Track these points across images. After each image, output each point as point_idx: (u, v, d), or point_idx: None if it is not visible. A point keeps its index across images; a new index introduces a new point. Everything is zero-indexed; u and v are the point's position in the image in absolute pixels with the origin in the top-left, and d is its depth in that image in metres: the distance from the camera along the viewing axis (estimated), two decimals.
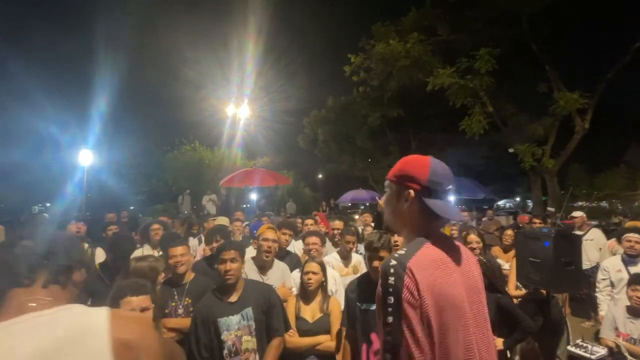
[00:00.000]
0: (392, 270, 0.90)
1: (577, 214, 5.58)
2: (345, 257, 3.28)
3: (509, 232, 4.14)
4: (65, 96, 18.14)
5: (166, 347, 1.72)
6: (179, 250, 2.44)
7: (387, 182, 1.11)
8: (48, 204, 21.03)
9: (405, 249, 0.96)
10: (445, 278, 0.94)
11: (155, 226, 3.66)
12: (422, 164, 1.03)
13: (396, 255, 0.94)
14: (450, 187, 1.05)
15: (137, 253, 3.33)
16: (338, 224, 4.06)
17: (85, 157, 12.01)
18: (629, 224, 4.66)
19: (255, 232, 3.38)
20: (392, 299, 0.88)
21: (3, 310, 0.83)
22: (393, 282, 0.89)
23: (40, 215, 13.02)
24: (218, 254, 2.16)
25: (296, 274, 2.87)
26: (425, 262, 0.93)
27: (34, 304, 0.85)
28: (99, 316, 0.83)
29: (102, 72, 15.17)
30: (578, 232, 4.93)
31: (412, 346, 0.85)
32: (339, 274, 3.00)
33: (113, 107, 15.41)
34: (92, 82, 15.22)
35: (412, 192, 1.01)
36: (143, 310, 1.60)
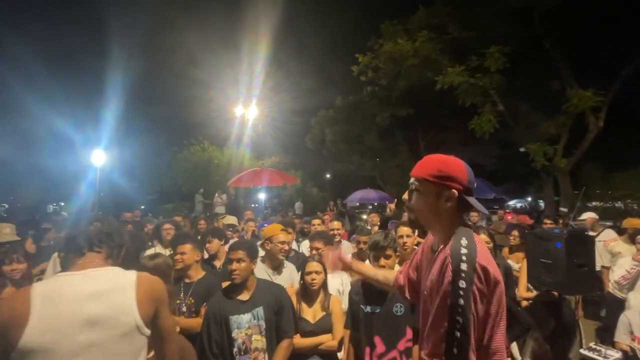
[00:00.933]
0: (464, 258, 0.99)
1: (587, 214, 5.46)
2: (361, 259, 3.28)
3: (515, 232, 4.08)
4: (78, 98, 18.54)
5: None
6: (182, 248, 2.49)
7: (419, 181, 1.16)
8: (62, 203, 21.55)
9: (465, 239, 1.04)
10: (497, 270, 1.04)
11: (167, 226, 3.72)
12: (460, 166, 1.14)
13: (463, 244, 1.02)
14: (475, 185, 1.17)
15: (149, 252, 3.40)
16: (336, 224, 4.01)
17: (98, 158, 12.25)
18: (630, 220, 4.50)
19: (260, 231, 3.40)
20: (464, 284, 0.96)
21: (80, 264, 1.26)
22: (466, 269, 0.97)
23: (58, 213, 13.35)
24: (227, 254, 2.20)
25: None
26: (485, 251, 1.04)
27: (97, 262, 1.29)
28: (131, 274, 1.29)
29: (114, 73, 15.47)
30: (591, 233, 4.82)
31: (479, 329, 0.95)
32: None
33: (125, 108, 15.73)
34: (104, 83, 15.54)
35: (455, 192, 1.09)
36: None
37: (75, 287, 1.16)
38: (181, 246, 2.50)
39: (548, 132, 10.06)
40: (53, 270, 2.91)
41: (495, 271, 1.00)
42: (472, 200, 1.10)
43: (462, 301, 0.95)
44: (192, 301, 2.37)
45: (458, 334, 0.93)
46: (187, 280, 2.47)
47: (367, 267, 1.56)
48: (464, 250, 1.00)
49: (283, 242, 2.85)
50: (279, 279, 2.78)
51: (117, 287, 1.21)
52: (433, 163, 1.14)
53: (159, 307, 1.28)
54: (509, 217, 7.34)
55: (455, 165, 1.13)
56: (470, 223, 5.54)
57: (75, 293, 1.14)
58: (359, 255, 3.33)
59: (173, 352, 1.35)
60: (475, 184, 1.16)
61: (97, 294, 1.16)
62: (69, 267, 1.24)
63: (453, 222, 1.12)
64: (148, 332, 1.23)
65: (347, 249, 3.87)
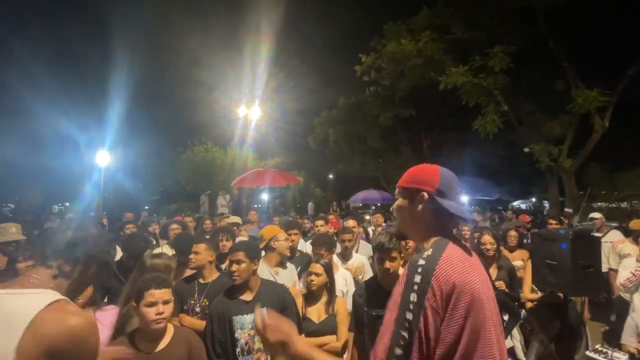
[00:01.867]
0: (419, 270, 0.92)
1: (596, 215, 5.41)
2: (346, 257, 3.28)
3: (513, 232, 4.06)
4: (83, 99, 18.71)
5: (185, 335, 1.78)
6: (196, 247, 2.48)
7: (398, 191, 1.17)
8: (67, 204, 21.73)
9: (431, 250, 0.98)
10: (474, 276, 0.95)
11: (174, 226, 3.74)
12: (432, 170, 1.13)
13: (424, 255, 0.96)
14: (459, 190, 1.14)
15: (156, 252, 3.42)
16: (352, 222, 4.03)
17: (103, 158, 12.33)
18: (637, 222, 4.46)
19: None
20: (414, 297, 0.89)
21: (14, 280, 1.02)
22: (419, 282, 0.90)
23: (63, 213, 13.45)
24: (229, 255, 2.20)
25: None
26: (454, 262, 0.95)
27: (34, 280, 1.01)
28: (40, 303, 0.91)
29: (118, 75, 15.57)
30: (597, 234, 4.77)
31: (423, 348, 0.87)
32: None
33: (129, 109, 15.83)
34: (109, 85, 15.66)
35: (425, 194, 1.06)
36: (165, 302, 1.67)
37: None
38: (195, 245, 2.49)
39: (553, 132, 10.00)
40: None
41: (467, 285, 0.90)
42: (446, 202, 1.04)
43: (409, 315, 0.88)
44: (207, 303, 2.35)
45: (399, 351, 0.87)
46: (201, 281, 2.47)
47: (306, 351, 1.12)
48: (421, 262, 0.94)
49: (286, 239, 2.88)
50: (281, 276, 2.79)
51: (6, 321, 0.88)
52: (409, 172, 1.16)
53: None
54: (526, 219, 7.14)
55: (428, 170, 1.12)
56: (470, 226, 5.49)
57: None
58: (344, 256, 3.31)
59: None
60: (458, 190, 1.14)
61: None
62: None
63: (431, 229, 1.07)
64: None
65: (363, 249, 3.87)
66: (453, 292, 0.89)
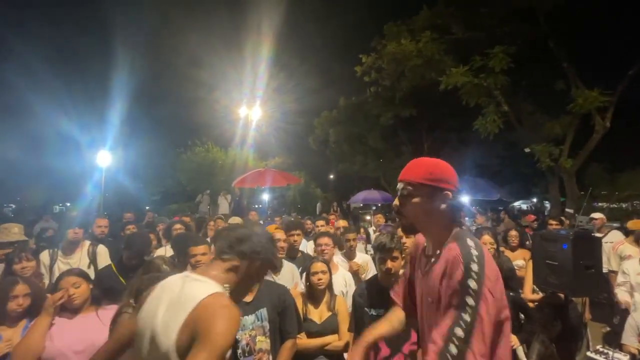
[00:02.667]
0: (475, 259, 0.99)
1: (596, 215, 5.40)
2: (350, 257, 3.29)
3: (513, 232, 4.06)
4: (84, 99, 18.74)
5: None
6: (199, 249, 2.45)
7: (412, 185, 1.15)
8: (68, 204, 21.76)
9: (470, 240, 1.04)
10: (498, 271, 1.04)
11: (177, 226, 3.75)
12: (450, 168, 1.16)
13: (471, 245, 1.03)
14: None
15: (160, 252, 3.42)
16: (342, 222, 4.09)
17: (104, 158, 12.35)
18: (636, 222, 4.45)
19: None
20: (474, 284, 0.95)
21: (203, 268, 1.25)
22: (477, 270, 0.97)
23: (63, 213, 13.46)
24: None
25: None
26: (489, 254, 1.04)
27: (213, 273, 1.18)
28: (206, 292, 1.07)
29: (119, 75, 15.61)
30: (597, 234, 4.76)
31: (486, 330, 0.93)
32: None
33: (130, 110, 15.88)
34: (110, 85, 15.69)
35: (449, 193, 1.11)
36: None
37: (169, 290, 1.12)
38: (197, 247, 2.45)
39: (553, 132, 9.98)
40: (48, 273, 2.94)
41: (499, 276, 1.01)
42: (461, 201, 1.17)
43: (471, 301, 0.94)
44: None
45: (461, 332, 0.92)
46: (242, 298, 2.45)
47: (374, 332, 1.38)
48: (474, 252, 1.00)
49: (278, 240, 2.83)
50: (279, 279, 2.78)
51: (182, 303, 1.07)
52: (425, 166, 1.15)
53: None
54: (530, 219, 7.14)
55: (447, 168, 1.15)
56: (475, 224, 5.52)
57: (164, 296, 1.11)
58: (348, 255, 3.32)
59: None
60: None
61: (172, 304, 1.09)
62: None
63: (447, 224, 1.12)
64: None
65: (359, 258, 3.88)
66: (498, 279, 1.00)
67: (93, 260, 3.12)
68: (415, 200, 1.13)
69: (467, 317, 0.92)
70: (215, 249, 1.28)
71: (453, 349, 0.90)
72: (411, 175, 1.15)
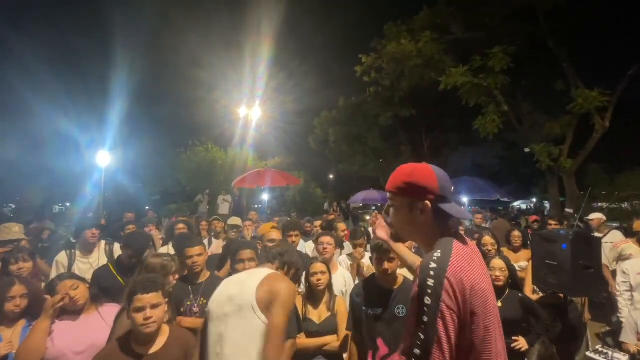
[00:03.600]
0: (431, 273, 0.92)
1: (594, 215, 5.40)
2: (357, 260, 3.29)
3: (516, 233, 4.05)
4: (84, 99, 18.73)
5: (180, 337, 1.80)
6: (195, 250, 2.45)
7: (391, 195, 1.10)
8: (68, 204, 21.76)
9: (439, 251, 0.97)
10: (481, 277, 0.96)
11: (180, 226, 3.74)
12: (428, 173, 1.06)
13: (434, 257, 0.96)
14: (453, 189, 1.11)
15: (163, 251, 3.42)
16: (342, 226, 4.07)
17: (103, 158, 12.34)
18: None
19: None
20: (429, 300, 0.90)
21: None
22: (432, 285, 0.91)
23: (63, 214, 13.45)
24: (234, 253, 2.16)
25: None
26: (463, 262, 0.95)
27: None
28: (269, 270, 1.74)
29: (118, 75, 15.61)
30: (597, 234, 4.76)
31: (445, 348, 0.87)
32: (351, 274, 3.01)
33: (129, 110, 15.87)
34: (110, 85, 15.69)
35: (428, 203, 1.03)
36: (154, 306, 1.64)
37: (236, 277, 1.79)
38: (193, 249, 2.45)
39: (553, 132, 9.99)
40: (56, 273, 2.93)
41: (476, 283, 0.93)
42: (447, 207, 1.03)
43: (425, 318, 0.88)
44: (205, 301, 2.33)
45: (418, 351, 0.87)
46: (194, 282, 2.45)
47: (403, 249, 1.65)
48: (432, 265, 0.93)
49: (272, 240, 2.81)
50: None
51: (251, 276, 1.71)
52: (400, 175, 1.09)
53: None
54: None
55: (423, 174, 1.06)
56: (471, 225, 5.50)
57: (233, 280, 1.78)
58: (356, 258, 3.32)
59: None
60: (452, 188, 1.10)
61: (241, 281, 1.72)
62: None
63: (433, 233, 1.05)
64: None
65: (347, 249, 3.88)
66: (465, 290, 0.91)
67: (111, 258, 3.14)
68: (396, 211, 1.10)
69: (422, 336, 0.88)
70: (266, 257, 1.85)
71: None
72: (390, 185, 1.10)
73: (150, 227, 5.01)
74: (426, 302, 0.90)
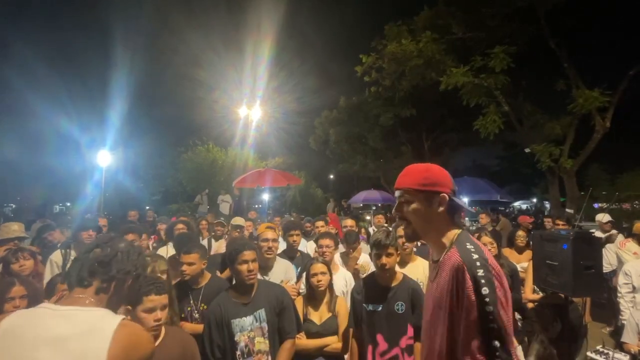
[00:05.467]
0: (478, 264, 0.98)
1: (604, 216, 5.33)
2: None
3: (521, 233, 4.04)
4: (84, 99, 18.75)
5: (177, 334, 1.79)
6: (188, 258, 2.40)
7: (408, 192, 1.16)
8: (68, 204, 21.77)
9: (468, 244, 1.05)
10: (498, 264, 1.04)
11: (180, 226, 3.74)
12: (442, 171, 1.17)
13: (471, 249, 1.03)
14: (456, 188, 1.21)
15: (162, 251, 3.42)
16: (350, 222, 4.08)
17: (104, 158, 12.34)
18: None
19: None
20: (487, 290, 0.94)
21: (60, 299, 1.12)
22: (484, 274, 0.96)
23: (63, 213, 13.46)
24: (235, 254, 2.14)
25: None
26: (488, 251, 1.04)
27: (82, 298, 1.10)
28: (113, 321, 1.04)
29: (119, 75, 15.61)
30: (600, 235, 4.75)
31: (510, 331, 0.93)
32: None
33: (130, 109, 15.88)
34: (110, 85, 15.69)
35: (446, 195, 1.12)
36: (164, 308, 1.67)
37: (40, 326, 0.99)
38: (187, 256, 2.40)
39: (553, 132, 9.97)
40: (51, 275, 2.92)
41: (501, 269, 1.02)
42: (459, 201, 1.15)
43: (491, 308, 0.93)
44: (205, 307, 2.31)
45: (497, 343, 0.91)
46: (194, 286, 2.43)
47: None
48: (474, 256, 1.00)
49: (266, 240, 2.79)
50: (271, 277, 2.77)
51: (86, 334, 0.99)
52: (417, 172, 1.17)
53: None
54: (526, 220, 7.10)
55: (440, 171, 1.17)
56: (476, 225, 5.50)
57: (36, 334, 0.97)
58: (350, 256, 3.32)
59: None
60: (457, 187, 1.21)
61: (59, 340, 0.96)
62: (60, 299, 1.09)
63: (446, 226, 1.13)
64: None
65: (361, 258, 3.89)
66: (503, 275, 0.99)
67: None
68: (414, 206, 1.15)
69: (494, 325, 0.91)
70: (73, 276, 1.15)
71: None
72: (406, 183, 1.17)
73: (159, 225, 5.03)
74: (484, 292, 0.94)
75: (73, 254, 3.08)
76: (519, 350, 3.16)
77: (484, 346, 0.92)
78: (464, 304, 0.96)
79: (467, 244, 1.04)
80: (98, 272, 1.13)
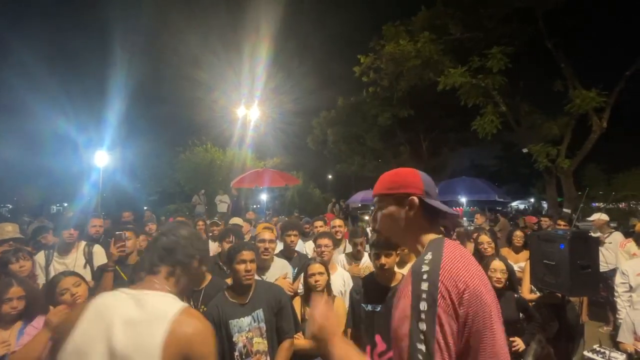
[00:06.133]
0: (424, 276, 0.89)
1: (596, 216, 5.39)
2: (357, 258, 3.30)
3: (519, 233, 4.06)
4: (82, 99, 18.66)
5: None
6: None
7: (378, 198, 1.13)
8: (65, 204, 21.67)
9: (430, 253, 0.95)
10: (475, 278, 0.92)
11: None
12: (411, 172, 1.11)
13: (425, 260, 0.93)
14: (437, 191, 1.13)
15: None
16: (339, 222, 4.09)
17: (101, 159, 12.29)
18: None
19: None
20: (425, 306, 0.85)
21: (140, 282, 1.18)
22: (426, 289, 0.87)
23: (60, 214, 13.37)
24: (233, 254, 2.13)
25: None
26: (455, 264, 0.92)
27: (153, 282, 1.17)
28: (173, 307, 1.08)
29: (117, 75, 15.56)
30: (596, 234, 4.78)
31: (446, 355, 0.82)
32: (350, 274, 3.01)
33: (127, 110, 15.82)
34: (108, 85, 15.64)
35: (415, 198, 1.05)
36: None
37: (118, 307, 1.06)
38: None
39: (551, 132, 10.03)
40: (43, 273, 2.92)
41: (470, 284, 0.88)
42: (434, 202, 1.06)
43: (422, 326, 0.83)
44: (205, 309, 2.30)
45: (420, 357, 0.82)
46: (195, 289, 2.38)
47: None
48: (424, 267, 0.90)
49: (263, 241, 2.79)
50: (269, 276, 2.76)
51: (151, 319, 1.04)
52: (385, 177, 1.14)
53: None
54: (532, 221, 7.09)
55: (407, 173, 1.11)
56: (474, 225, 5.51)
57: (114, 313, 1.04)
58: (355, 256, 3.33)
59: None
60: (437, 190, 1.12)
61: (131, 322, 1.03)
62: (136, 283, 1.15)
63: (422, 231, 1.06)
64: None
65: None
66: (461, 292, 0.87)
67: (89, 260, 3.10)
68: (385, 212, 1.11)
69: (422, 347, 0.82)
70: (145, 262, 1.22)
71: None
72: (377, 189, 1.14)
73: (150, 225, 4.99)
74: (422, 308, 0.85)
75: (56, 255, 3.04)
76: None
77: None
78: (399, 318, 0.90)
79: (429, 253, 0.95)
80: (165, 258, 1.19)
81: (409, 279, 0.92)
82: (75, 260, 3.07)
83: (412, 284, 0.89)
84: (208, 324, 1.13)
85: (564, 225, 4.47)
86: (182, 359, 1.02)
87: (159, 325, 1.03)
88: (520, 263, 3.77)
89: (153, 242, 1.24)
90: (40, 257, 3.00)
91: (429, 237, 1.04)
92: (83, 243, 3.22)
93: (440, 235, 1.05)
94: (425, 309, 0.85)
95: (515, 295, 2.71)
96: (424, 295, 0.86)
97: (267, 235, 2.84)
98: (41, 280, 2.89)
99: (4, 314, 1.96)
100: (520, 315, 2.68)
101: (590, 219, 5.40)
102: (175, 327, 1.03)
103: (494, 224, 7.99)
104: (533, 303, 3.24)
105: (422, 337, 0.83)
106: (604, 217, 5.27)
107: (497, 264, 2.72)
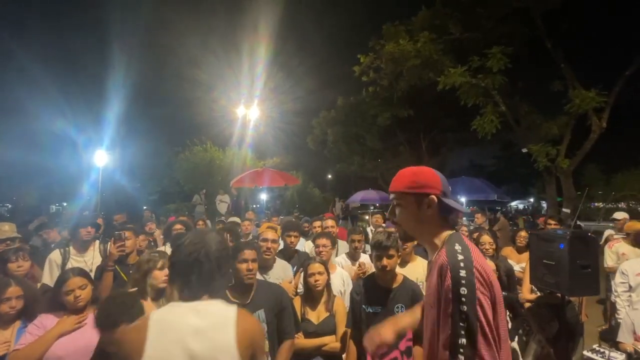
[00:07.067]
0: (461, 264, 1.01)
1: (620, 215, 5.27)
2: (354, 257, 3.29)
3: (523, 233, 4.06)
4: (81, 99, 18.65)
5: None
6: None
7: (398, 195, 1.21)
8: (65, 204, 21.65)
9: (457, 245, 1.07)
10: (489, 267, 1.06)
11: (178, 226, 3.71)
12: (432, 173, 1.19)
13: (457, 249, 1.05)
14: (450, 189, 1.23)
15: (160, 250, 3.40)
16: (330, 222, 4.09)
17: (101, 158, 12.28)
18: (631, 224, 4.44)
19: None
20: (465, 290, 0.98)
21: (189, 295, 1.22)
22: (465, 275, 1.00)
23: (59, 213, 13.36)
24: (235, 253, 2.13)
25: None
26: (479, 254, 1.07)
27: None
28: (231, 310, 1.22)
29: (116, 75, 15.55)
30: (619, 235, 4.67)
31: (487, 332, 0.95)
32: (349, 274, 3.00)
33: (127, 109, 15.81)
34: (107, 85, 15.63)
35: (434, 197, 1.14)
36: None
37: (183, 320, 1.13)
38: None
39: (550, 132, 10.03)
40: (50, 275, 2.90)
41: (489, 272, 1.03)
42: (450, 202, 1.16)
43: (465, 308, 0.96)
44: None
45: (463, 340, 0.94)
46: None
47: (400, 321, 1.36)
48: (460, 257, 1.03)
49: (266, 240, 2.79)
50: (270, 277, 2.76)
51: (217, 324, 1.16)
52: (406, 175, 1.21)
53: (256, 352, 1.21)
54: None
55: (428, 173, 1.19)
56: (474, 225, 5.52)
57: (182, 327, 1.12)
58: (353, 255, 3.33)
59: None
60: (450, 188, 1.22)
61: (199, 330, 1.12)
62: (184, 296, 1.20)
63: (439, 227, 1.17)
64: None
65: (343, 248, 3.88)
66: (490, 278, 1.02)
67: (105, 257, 3.11)
68: (404, 209, 1.19)
69: (465, 325, 0.94)
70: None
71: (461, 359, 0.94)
72: (397, 186, 1.21)
73: (150, 225, 5.00)
74: (462, 292, 0.97)
75: (72, 252, 3.05)
76: (516, 350, 3.18)
77: (451, 342, 0.96)
78: (444, 301, 1.01)
79: (456, 244, 1.07)
80: (196, 269, 1.22)
81: (446, 266, 1.03)
82: (93, 257, 3.11)
83: (450, 271, 1.01)
84: (258, 320, 1.37)
85: (554, 224, 4.46)
86: (251, 350, 1.19)
87: (227, 327, 1.17)
88: (523, 263, 3.78)
89: (181, 255, 1.23)
90: (56, 255, 3.00)
91: (446, 232, 1.15)
92: (97, 241, 3.26)
93: (455, 231, 1.15)
94: (466, 292, 0.97)
95: (504, 293, 2.72)
96: (463, 281, 0.99)
97: (270, 234, 2.84)
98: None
99: (3, 313, 1.96)
100: (507, 312, 2.70)
101: (617, 217, 5.31)
102: (240, 326, 1.18)
103: (494, 224, 8.00)
104: (533, 303, 3.24)
105: (463, 316, 0.96)
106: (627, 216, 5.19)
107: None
